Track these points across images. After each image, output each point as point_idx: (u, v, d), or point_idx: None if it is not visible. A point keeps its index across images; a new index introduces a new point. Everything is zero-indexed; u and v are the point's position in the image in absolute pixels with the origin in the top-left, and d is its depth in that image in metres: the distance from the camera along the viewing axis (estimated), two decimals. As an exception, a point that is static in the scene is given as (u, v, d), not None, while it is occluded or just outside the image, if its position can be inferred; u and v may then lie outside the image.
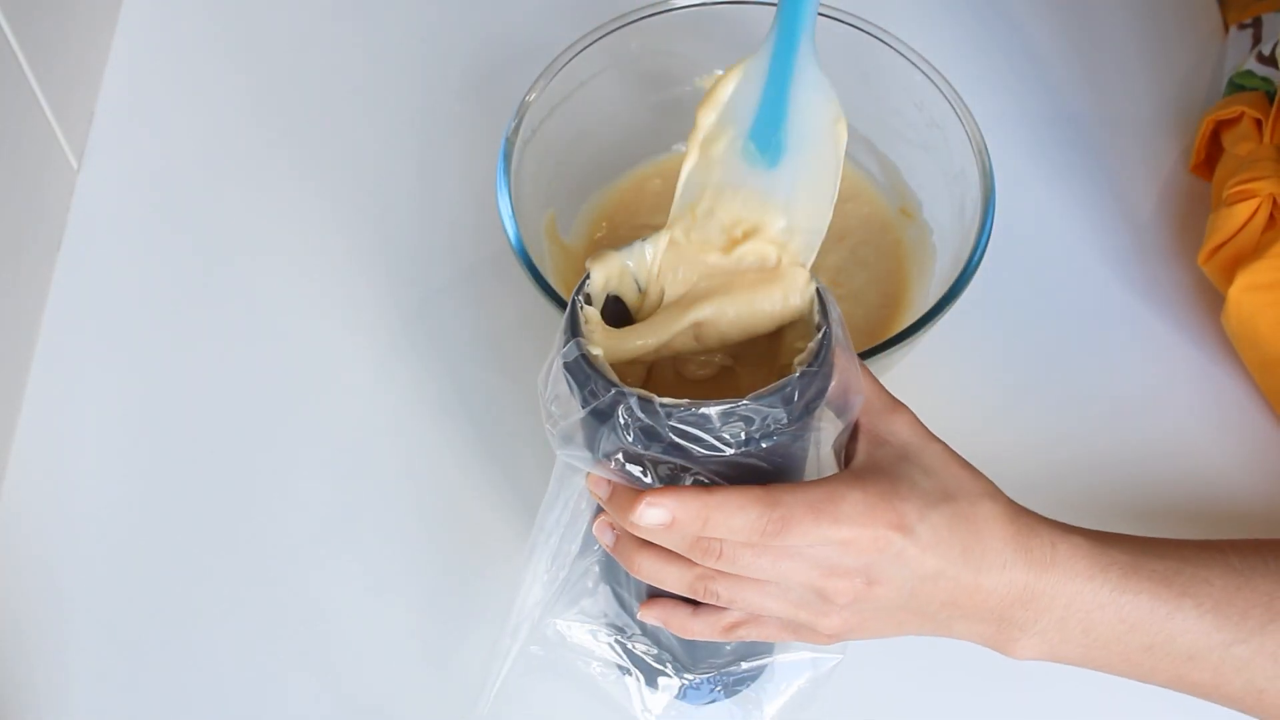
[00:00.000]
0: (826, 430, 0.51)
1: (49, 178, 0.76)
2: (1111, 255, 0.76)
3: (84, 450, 0.70)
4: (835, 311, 0.51)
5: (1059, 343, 0.74)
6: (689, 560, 0.50)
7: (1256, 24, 0.77)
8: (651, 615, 0.54)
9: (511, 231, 0.64)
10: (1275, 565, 0.54)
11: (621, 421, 0.47)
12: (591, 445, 0.49)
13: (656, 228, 0.72)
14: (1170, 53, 0.85)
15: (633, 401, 0.47)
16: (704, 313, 0.54)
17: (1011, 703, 0.63)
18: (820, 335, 0.50)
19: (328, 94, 0.83)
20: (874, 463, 0.52)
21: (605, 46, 0.70)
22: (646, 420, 0.47)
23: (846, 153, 0.73)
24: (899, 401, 0.54)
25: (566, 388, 0.49)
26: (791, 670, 0.58)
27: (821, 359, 0.49)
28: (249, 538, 0.67)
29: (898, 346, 0.61)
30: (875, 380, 0.54)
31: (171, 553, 0.67)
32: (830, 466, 0.53)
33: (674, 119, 0.75)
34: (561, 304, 0.61)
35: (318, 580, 0.66)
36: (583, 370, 0.49)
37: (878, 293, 0.71)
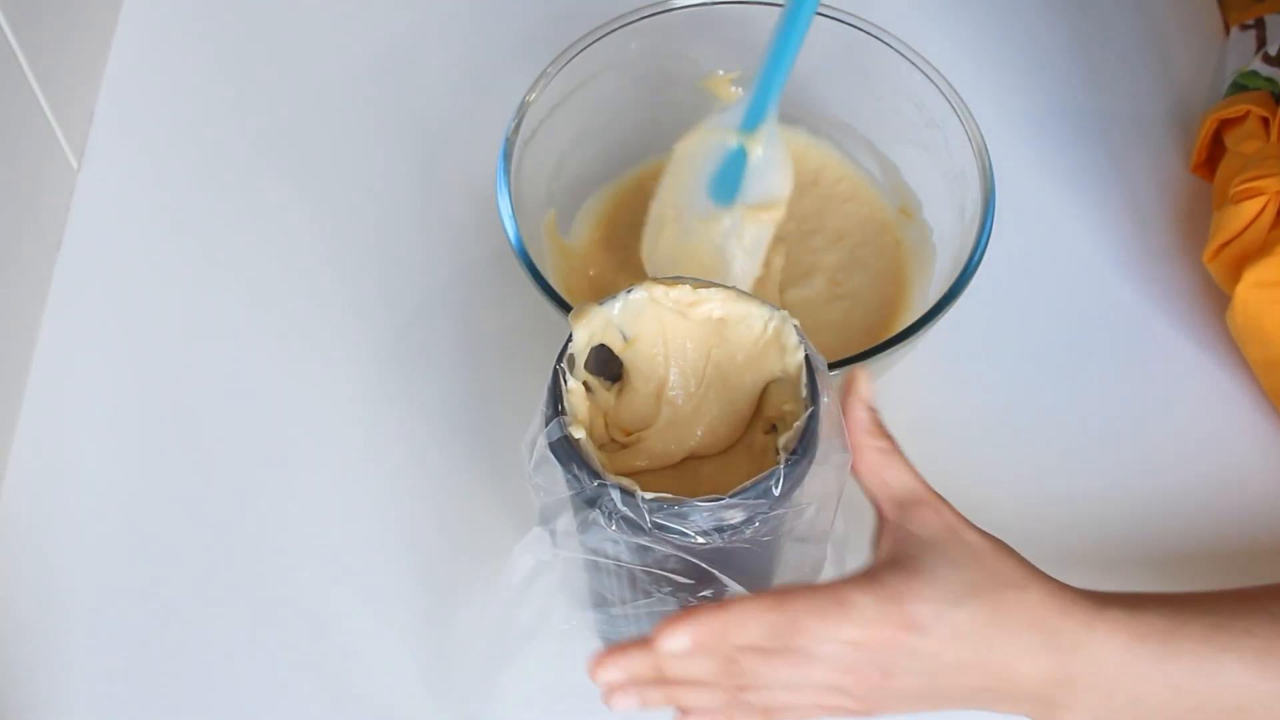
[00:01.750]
0: (811, 486, 0.51)
1: (49, 178, 0.76)
2: (1112, 255, 0.76)
3: (84, 450, 0.70)
4: (822, 370, 0.51)
5: (1060, 342, 0.73)
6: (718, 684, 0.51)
7: (1259, 25, 0.77)
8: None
9: (511, 231, 0.64)
10: None
11: (604, 511, 0.48)
12: (580, 523, 0.50)
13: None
14: (1171, 54, 0.85)
15: (615, 494, 0.48)
16: (699, 436, 0.55)
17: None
18: (808, 415, 0.50)
19: (327, 94, 0.83)
20: (894, 559, 0.52)
21: (605, 46, 0.70)
22: (628, 513, 0.48)
23: (847, 153, 0.74)
24: (930, 491, 0.54)
25: (550, 459, 0.50)
26: None
27: (808, 441, 0.49)
28: (249, 537, 0.67)
29: (897, 347, 0.61)
30: (907, 467, 0.54)
31: (171, 553, 0.67)
32: (819, 530, 0.53)
33: (674, 119, 0.75)
34: (562, 304, 0.61)
35: (318, 581, 0.66)
36: (566, 451, 0.49)
37: (877, 293, 0.71)
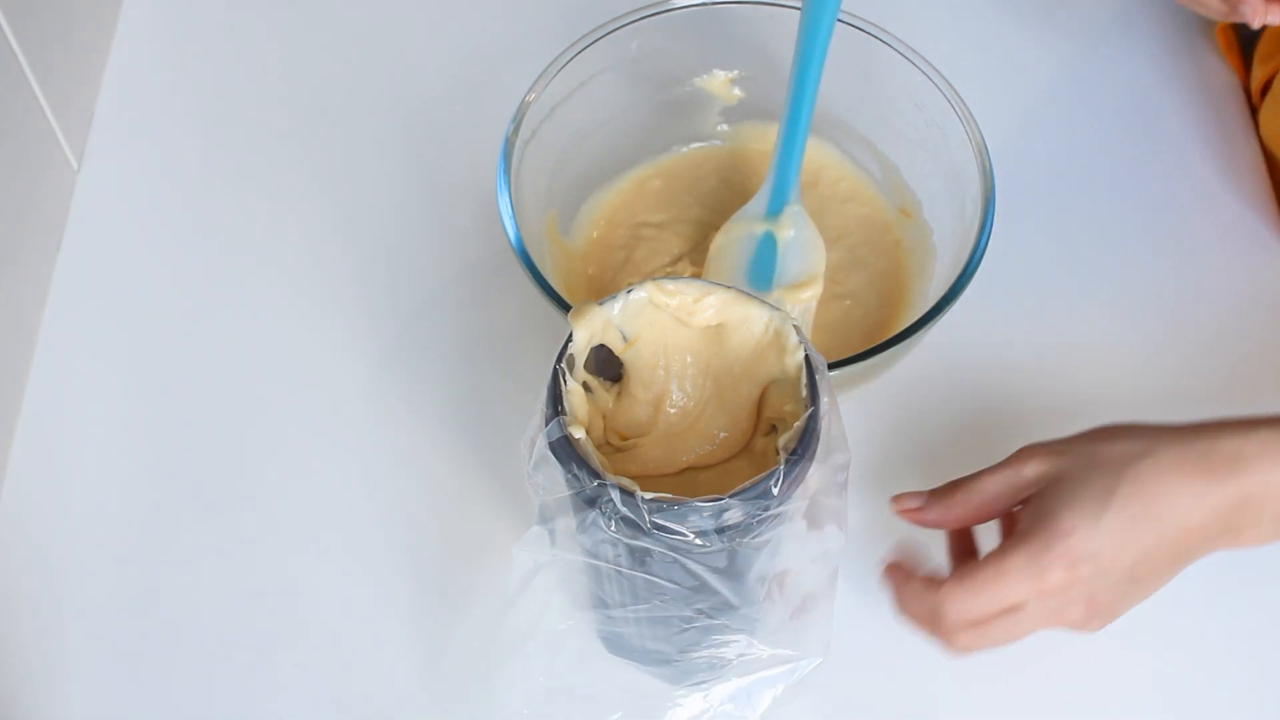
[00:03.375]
0: (811, 486, 0.51)
1: (49, 178, 0.76)
2: (1115, 255, 0.76)
3: (84, 450, 0.70)
4: (822, 370, 0.51)
5: (1062, 342, 0.73)
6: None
7: None
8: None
9: (511, 232, 0.64)
10: None
11: (604, 511, 0.48)
12: (579, 523, 0.50)
13: (656, 226, 0.73)
14: (1180, 60, 0.84)
15: (614, 494, 0.48)
16: (695, 453, 0.56)
17: (998, 699, 0.63)
18: (808, 415, 0.50)
19: (328, 94, 0.83)
20: (1033, 516, 0.55)
21: (605, 46, 0.70)
22: (627, 513, 0.48)
23: (847, 153, 0.74)
24: (1020, 450, 0.57)
25: (549, 459, 0.50)
26: (766, 683, 0.58)
27: (808, 440, 0.49)
28: (249, 538, 0.67)
29: (897, 346, 0.61)
30: (972, 486, 0.57)
31: (171, 553, 0.67)
32: (820, 529, 0.54)
33: (674, 119, 0.75)
34: (562, 304, 0.61)
35: (318, 582, 0.66)
36: (566, 450, 0.49)
37: (877, 293, 0.71)
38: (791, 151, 0.67)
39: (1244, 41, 0.80)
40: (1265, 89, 0.73)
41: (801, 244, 0.68)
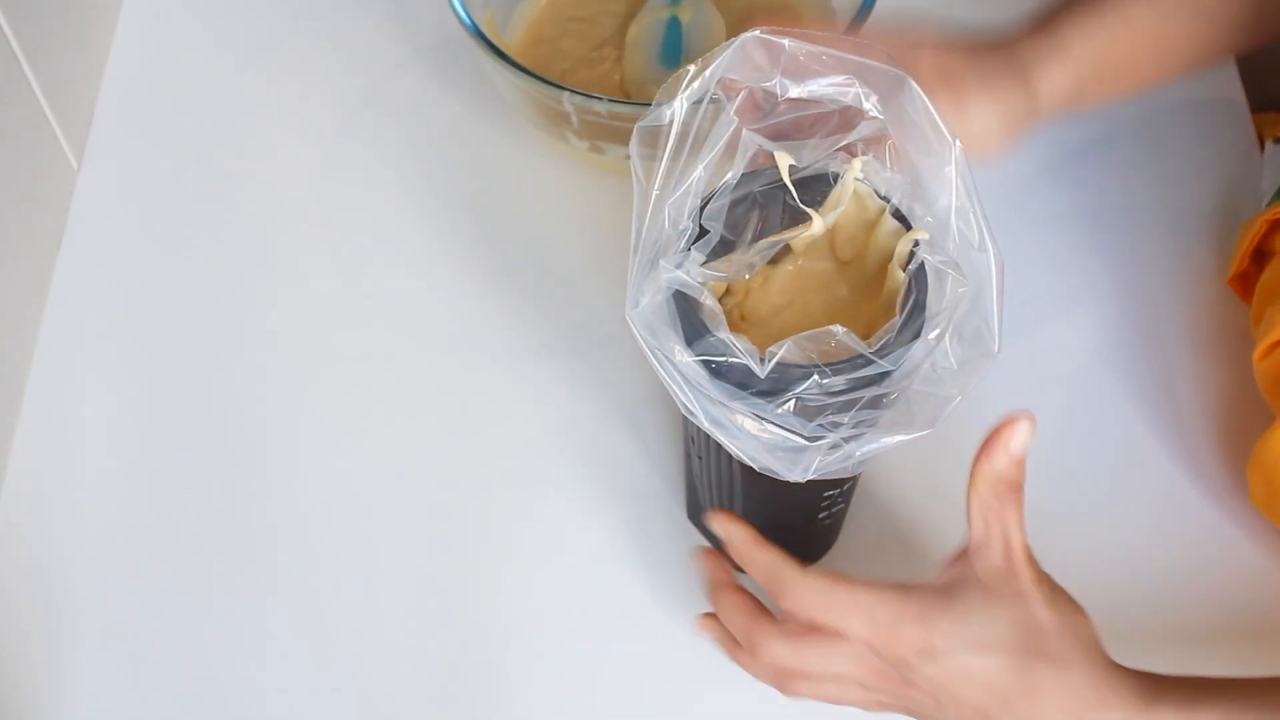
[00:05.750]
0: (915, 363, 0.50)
1: (49, 178, 0.76)
2: (1115, 251, 0.76)
3: (84, 450, 0.70)
4: (926, 244, 0.52)
5: (1060, 339, 0.73)
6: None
7: None
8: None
9: (462, 11, 0.71)
10: None
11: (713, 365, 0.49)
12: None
13: (581, 20, 0.81)
14: (1200, 166, 0.80)
15: (738, 351, 0.48)
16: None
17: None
18: (907, 283, 0.51)
19: (329, 94, 0.83)
20: (944, 587, 0.51)
21: None
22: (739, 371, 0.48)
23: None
24: (1024, 547, 0.51)
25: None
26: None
27: (911, 315, 0.50)
28: (248, 537, 0.67)
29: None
30: (1015, 517, 0.52)
31: (172, 553, 0.67)
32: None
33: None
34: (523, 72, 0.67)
35: (319, 581, 0.66)
36: (685, 302, 0.50)
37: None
38: None
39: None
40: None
41: (703, 25, 0.78)
